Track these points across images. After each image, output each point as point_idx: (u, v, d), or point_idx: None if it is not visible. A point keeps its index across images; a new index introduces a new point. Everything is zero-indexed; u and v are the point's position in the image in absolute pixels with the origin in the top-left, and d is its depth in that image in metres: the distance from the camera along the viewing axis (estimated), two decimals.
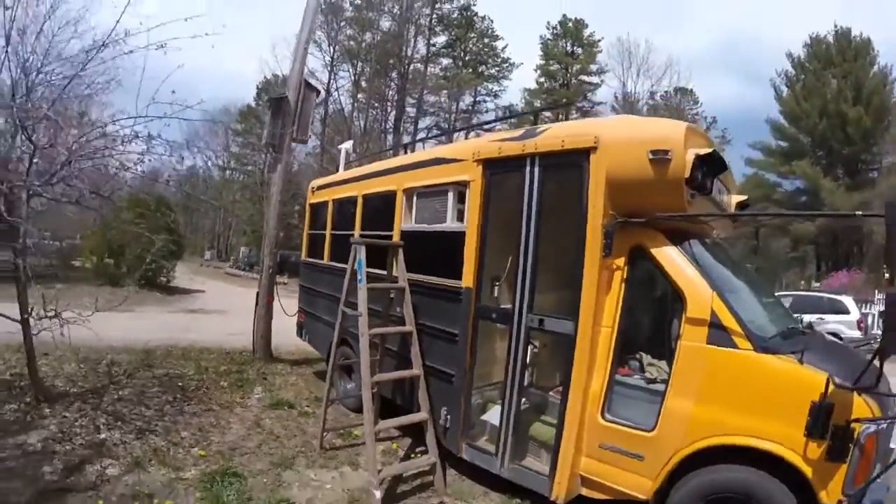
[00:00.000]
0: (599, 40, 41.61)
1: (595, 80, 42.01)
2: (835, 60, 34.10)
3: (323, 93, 31.21)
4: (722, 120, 66.20)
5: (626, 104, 39.60)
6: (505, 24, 47.21)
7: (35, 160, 4.89)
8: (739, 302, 3.44)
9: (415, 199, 5.11)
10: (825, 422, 2.87)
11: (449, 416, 4.37)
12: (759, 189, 38.84)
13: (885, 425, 3.09)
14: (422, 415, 4.34)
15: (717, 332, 3.19)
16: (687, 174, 3.29)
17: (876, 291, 19.25)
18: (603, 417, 3.59)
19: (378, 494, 3.77)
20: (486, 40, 43.30)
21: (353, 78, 38.52)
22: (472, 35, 42.84)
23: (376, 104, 38.29)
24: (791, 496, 2.97)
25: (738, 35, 60.03)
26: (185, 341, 8.62)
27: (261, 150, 48.65)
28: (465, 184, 4.42)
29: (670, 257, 3.45)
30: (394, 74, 38.77)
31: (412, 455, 4.81)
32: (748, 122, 63.18)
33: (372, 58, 36.79)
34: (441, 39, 42.32)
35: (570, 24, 42.10)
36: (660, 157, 3.25)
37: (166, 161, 5.68)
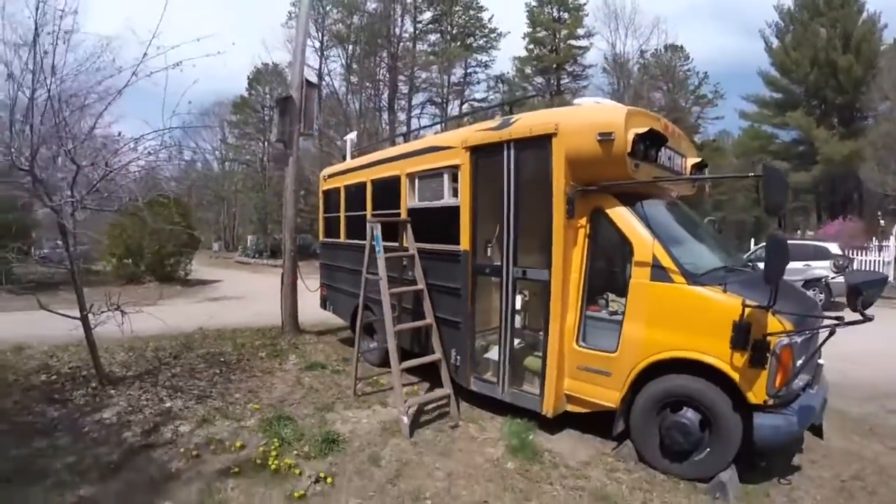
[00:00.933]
0: (585, 3, 41.04)
1: (584, 43, 41.52)
2: (822, 10, 33.60)
3: (318, 83, 31.52)
4: (718, 74, 66.30)
5: (617, 65, 39.56)
6: None
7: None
8: (679, 248, 4.34)
9: (416, 181, 6.00)
10: (745, 337, 3.67)
11: (458, 356, 5.35)
12: (756, 141, 38.82)
13: (798, 339, 3.83)
14: (436, 356, 5.35)
15: (658, 271, 4.10)
16: (629, 150, 4.16)
17: (874, 238, 20.03)
18: (578, 345, 4.54)
19: (406, 420, 4.73)
20: (471, 12, 42.80)
21: (344, 61, 38.70)
22: (458, 8, 42.36)
23: (369, 85, 38.46)
24: (725, 397, 3.82)
25: None
26: (215, 325, 9.35)
27: (257, 139, 49.36)
28: (456, 167, 5.32)
29: (621, 215, 4.37)
30: (384, 54, 38.82)
31: (430, 392, 5.70)
32: (744, 74, 62.84)
33: (361, 40, 36.86)
34: (427, 15, 42.14)
35: None
36: (605, 138, 4.14)
37: (166, 158, 6.19)
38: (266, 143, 46.55)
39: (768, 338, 3.65)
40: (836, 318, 3.79)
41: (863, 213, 31.19)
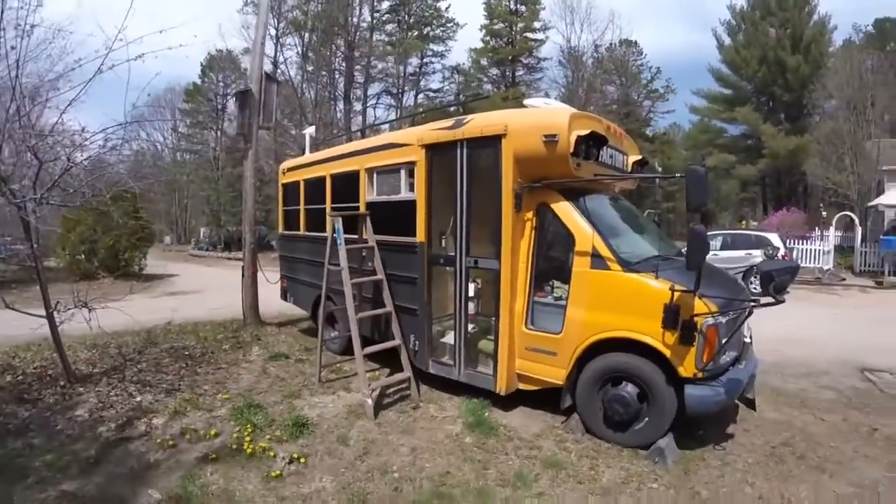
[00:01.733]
0: None
1: (540, 36, 42.06)
2: (773, 10, 34.91)
3: (274, 71, 31.07)
4: (672, 68, 68.08)
5: (572, 59, 40.27)
6: None
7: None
8: (617, 238, 4.77)
9: (375, 176, 6.29)
10: (675, 317, 4.10)
11: (417, 341, 5.69)
12: (705, 134, 40.22)
13: (722, 319, 4.25)
14: (396, 342, 5.68)
15: (597, 260, 4.52)
16: (571, 150, 4.55)
17: (816, 229, 21.19)
18: (526, 328, 4.94)
19: (370, 402, 5.03)
20: (429, 2, 42.82)
21: (300, 49, 38.11)
22: None
23: (325, 73, 38.03)
24: (659, 371, 4.27)
25: None
26: (175, 320, 9.26)
27: (210, 129, 48.20)
28: (413, 163, 5.63)
29: (564, 209, 4.77)
30: (340, 43, 38.42)
31: (392, 376, 5.96)
32: (696, 70, 64.72)
33: (318, 28, 36.37)
34: (385, 5, 41.91)
35: None
36: (550, 139, 4.52)
37: (129, 152, 6.26)
38: (219, 133, 45.59)
39: (695, 318, 4.08)
40: (753, 300, 4.28)
41: (807, 205, 32.91)
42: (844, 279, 17.45)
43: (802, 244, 19.75)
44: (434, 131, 5.45)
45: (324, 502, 3.63)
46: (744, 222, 36.14)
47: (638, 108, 43.89)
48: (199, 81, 46.26)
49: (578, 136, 4.58)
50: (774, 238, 15.31)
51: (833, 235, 20.08)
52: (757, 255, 14.33)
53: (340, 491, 3.75)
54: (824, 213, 24.12)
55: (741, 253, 14.73)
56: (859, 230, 19.82)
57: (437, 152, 5.41)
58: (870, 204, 20.30)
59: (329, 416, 5.06)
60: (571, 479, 3.94)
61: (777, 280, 4.17)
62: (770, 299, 4.12)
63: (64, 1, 5.52)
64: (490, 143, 4.90)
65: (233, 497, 3.64)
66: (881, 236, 18.03)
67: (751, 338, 5.47)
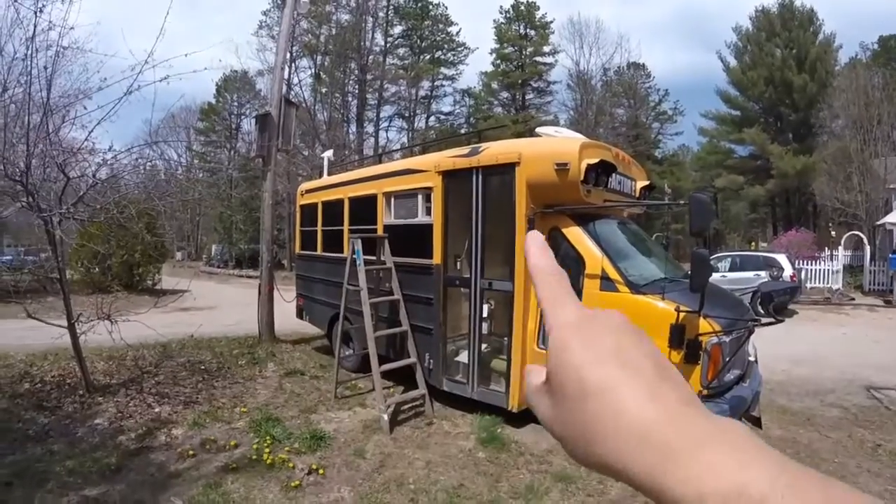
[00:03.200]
0: (551, 22, 42.40)
1: (549, 60, 42.72)
2: (778, 31, 35.17)
3: (288, 92, 31.64)
4: (680, 90, 68.77)
5: (581, 82, 40.73)
6: (459, 9, 48.14)
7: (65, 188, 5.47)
8: (625, 262, 4.97)
9: (393, 200, 6.54)
10: (680, 337, 4.26)
11: (431, 360, 5.89)
12: (714, 156, 40.24)
13: (726, 338, 4.40)
14: (412, 360, 5.89)
15: (606, 282, 4.72)
16: (581, 177, 4.77)
17: (826, 248, 21.18)
18: (538, 347, 5.11)
19: (386, 418, 5.23)
20: (440, 26, 43.70)
21: (313, 71, 38.86)
22: (428, 22, 43.25)
23: (338, 95, 38.73)
24: None
25: (695, 7, 61.71)
26: (189, 335, 9.21)
27: (224, 147, 48.90)
28: (430, 188, 5.89)
29: (575, 234, 4.99)
30: (353, 66, 39.20)
31: (407, 392, 6.13)
32: (707, 90, 65.11)
33: (331, 51, 37.14)
34: (398, 29, 42.83)
35: (523, 8, 42.75)
36: (561, 167, 4.76)
37: (128, 166, 6.25)
38: (233, 152, 46.24)
39: (700, 337, 4.24)
40: (753, 320, 4.44)
41: (816, 224, 32.82)
42: (853, 298, 17.44)
43: (812, 264, 19.72)
44: (450, 158, 5.72)
45: None
46: (752, 243, 36.15)
47: (647, 131, 44.20)
48: (213, 101, 47.05)
49: (588, 164, 4.81)
50: (782, 259, 15.31)
51: (842, 255, 20.07)
52: (765, 277, 14.42)
53: (358, 501, 3.93)
54: (833, 233, 24.13)
55: (749, 274, 14.79)
56: (868, 249, 19.80)
57: (454, 178, 5.67)
58: (878, 222, 20.28)
59: (345, 430, 5.24)
60: (581, 493, 4.10)
61: (776, 300, 4.33)
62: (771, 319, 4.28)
63: (81, 17, 5.68)
64: (504, 171, 5.16)
65: None
66: (890, 255, 18.01)
67: (755, 356, 5.61)
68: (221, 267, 38.47)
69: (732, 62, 38.72)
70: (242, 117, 46.21)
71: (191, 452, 4.58)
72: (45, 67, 5.37)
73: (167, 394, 6.02)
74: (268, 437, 4.84)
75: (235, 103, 47.56)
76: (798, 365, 8.26)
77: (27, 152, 5.25)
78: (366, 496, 3.98)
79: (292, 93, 34.37)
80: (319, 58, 38.22)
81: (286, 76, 35.52)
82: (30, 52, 5.26)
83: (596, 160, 4.87)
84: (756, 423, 5.39)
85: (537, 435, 5.23)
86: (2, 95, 5.55)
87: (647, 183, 6.27)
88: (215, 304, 16.39)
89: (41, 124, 5.37)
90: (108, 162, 6.03)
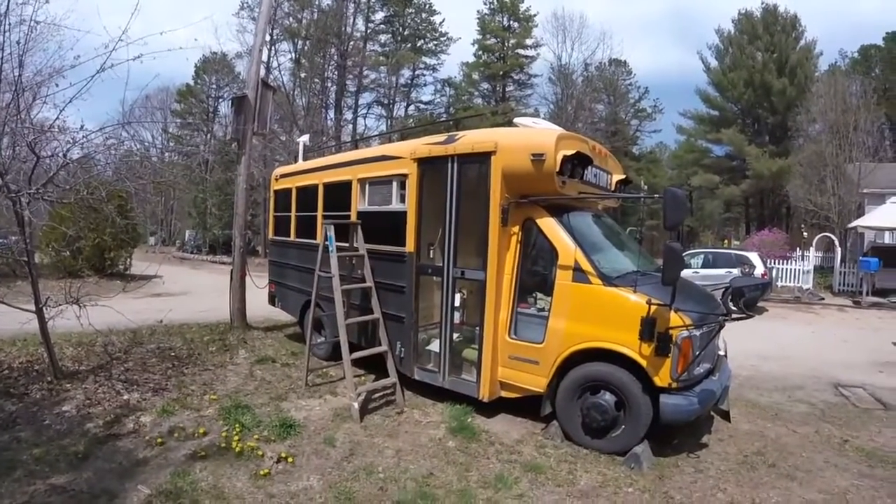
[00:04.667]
0: (535, 15, 42.50)
1: (531, 53, 42.88)
2: (760, 35, 35.83)
3: (267, 76, 31.13)
4: (660, 88, 69.44)
5: (562, 76, 40.88)
6: None
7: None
8: (598, 254, 4.99)
9: (367, 186, 6.47)
10: (651, 330, 4.30)
11: (403, 348, 5.86)
12: (691, 154, 40.92)
13: (696, 332, 4.47)
14: (383, 348, 5.85)
15: (579, 274, 4.73)
16: (557, 168, 4.76)
17: (798, 249, 21.43)
18: (510, 337, 5.13)
19: (356, 406, 5.19)
20: (423, 15, 43.44)
21: (293, 56, 38.31)
22: (410, 10, 42.90)
23: (317, 81, 38.25)
24: (636, 381, 4.47)
25: (683, 6, 62.20)
26: (161, 321, 9.02)
27: (201, 131, 48.04)
28: (405, 175, 5.83)
29: (549, 225, 4.99)
30: (333, 52, 38.71)
31: (378, 381, 6.07)
32: (688, 90, 65.79)
33: (312, 35, 36.62)
34: (380, 16, 42.37)
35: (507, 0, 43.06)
36: (537, 158, 4.74)
37: (100, 146, 6.02)
38: (210, 136, 45.45)
39: (671, 331, 4.30)
40: (723, 314, 4.51)
41: (789, 225, 33.55)
42: (823, 298, 17.86)
43: (783, 264, 20.13)
44: (426, 146, 5.66)
45: (311, 500, 3.76)
46: (725, 242, 36.80)
47: (625, 127, 44.71)
48: (192, 83, 46.15)
49: (565, 156, 4.80)
50: (754, 257, 15.59)
51: (813, 255, 20.52)
52: (737, 274, 14.66)
53: (327, 489, 3.89)
54: (805, 234, 24.64)
55: (721, 271, 15.03)
56: (839, 251, 20.24)
57: (429, 166, 5.61)
58: (850, 225, 20.76)
59: (316, 418, 5.19)
60: (550, 483, 4.11)
61: (747, 296, 4.39)
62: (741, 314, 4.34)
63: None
64: (480, 160, 5.12)
65: (222, 494, 3.75)
66: (860, 257, 18.46)
67: (725, 351, 5.69)
68: (195, 252, 37.94)
69: (713, 63, 39.47)
70: (221, 100, 45.44)
71: (159, 440, 4.51)
72: (17, 43, 5.22)
73: (136, 380, 5.90)
74: (237, 425, 4.77)
75: (214, 86, 46.72)
76: (767, 361, 8.43)
77: None
78: (335, 484, 3.95)
79: (271, 77, 33.89)
80: (300, 42, 37.66)
81: (265, 59, 35.07)
82: (2, 27, 5.11)
83: (572, 152, 4.87)
84: (725, 416, 5.52)
85: (508, 425, 5.26)
86: None
87: (623, 177, 6.30)
88: (187, 290, 16.16)
89: (11, 102, 5.20)
90: (80, 142, 5.81)
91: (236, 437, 4.52)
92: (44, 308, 5.61)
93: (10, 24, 5.12)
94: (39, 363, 6.18)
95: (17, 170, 5.49)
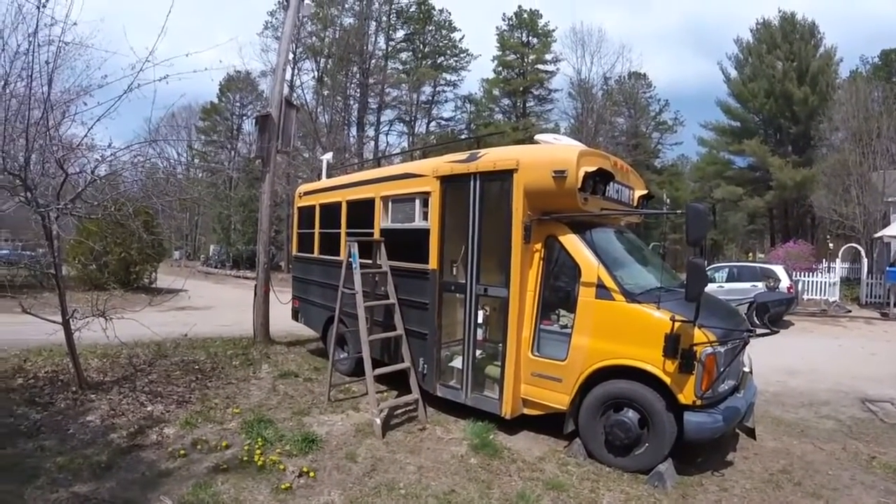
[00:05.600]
0: (554, 30, 42.71)
1: (551, 68, 43.02)
2: (779, 44, 35.31)
3: (290, 94, 31.71)
4: (680, 100, 68.89)
5: (582, 90, 40.89)
6: (462, 16, 48.34)
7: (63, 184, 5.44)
8: (621, 270, 4.97)
9: (390, 204, 6.54)
10: (675, 346, 4.26)
11: (426, 365, 5.88)
12: (713, 166, 40.31)
13: (721, 349, 4.43)
14: (406, 364, 5.87)
15: (602, 290, 4.72)
16: (579, 185, 4.78)
17: (823, 261, 21.07)
18: (532, 355, 5.12)
19: (379, 422, 5.21)
20: (443, 32, 43.87)
21: (315, 74, 38.96)
22: (431, 28, 43.44)
23: (339, 98, 38.82)
24: (660, 398, 4.42)
25: (701, 17, 62.03)
26: (184, 334, 9.13)
27: (225, 147, 48.96)
28: (427, 193, 5.89)
29: (571, 241, 4.99)
30: (355, 70, 39.30)
31: (400, 397, 6.08)
32: (709, 101, 65.47)
33: (334, 54, 37.25)
34: (401, 34, 42.98)
35: (526, 15, 43.09)
36: (559, 175, 4.77)
37: (127, 164, 6.15)
38: (234, 153, 46.29)
39: (695, 347, 4.25)
40: (748, 331, 4.46)
41: (814, 236, 32.91)
42: (850, 311, 17.46)
43: (809, 276, 19.75)
44: (449, 164, 5.72)
45: None
46: (750, 255, 36.20)
47: (646, 140, 44.46)
48: (216, 101, 47.15)
49: (586, 172, 4.82)
50: (780, 270, 15.35)
51: (839, 267, 20.12)
52: (761, 288, 14.44)
53: None
54: (831, 245, 24.16)
55: (746, 285, 14.82)
56: (865, 262, 19.85)
57: (452, 184, 5.67)
58: (876, 235, 20.32)
59: (338, 433, 5.22)
60: (572, 501, 4.08)
61: (772, 311, 4.34)
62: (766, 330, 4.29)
63: (84, 14, 5.62)
64: (502, 177, 5.17)
65: None
66: (887, 268, 18.04)
67: (750, 367, 5.61)
68: (219, 267, 38.47)
69: (733, 73, 38.91)
70: (244, 118, 46.36)
71: (182, 452, 4.56)
72: (47, 62, 5.33)
73: (160, 393, 5.99)
74: (259, 439, 4.81)
75: (238, 104, 47.74)
76: (793, 376, 8.27)
77: (27, 147, 5.22)
78: (356, 500, 3.96)
79: (294, 95, 34.45)
80: (323, 60, 38.30)
81: (289, 78, 35.74)
82: (32, 47, 5.21)
83: (594, 168, 4.89)
84: (750, 433, 5.42)
85: (530, 442, 5.23)
86: (3, 90, 5.49)
87: (645, 192, 6.28)
88: (211, 305, 16.35)
89: (41, 119, 5.32)
90: (107, 159, 5.98)
91: (258, 451, 4.56)
92: (70, 320, 5.72)
93: (38, 45, 5.24)
94: (65, 373, 6.30)
95: (46, 185, 5.64)
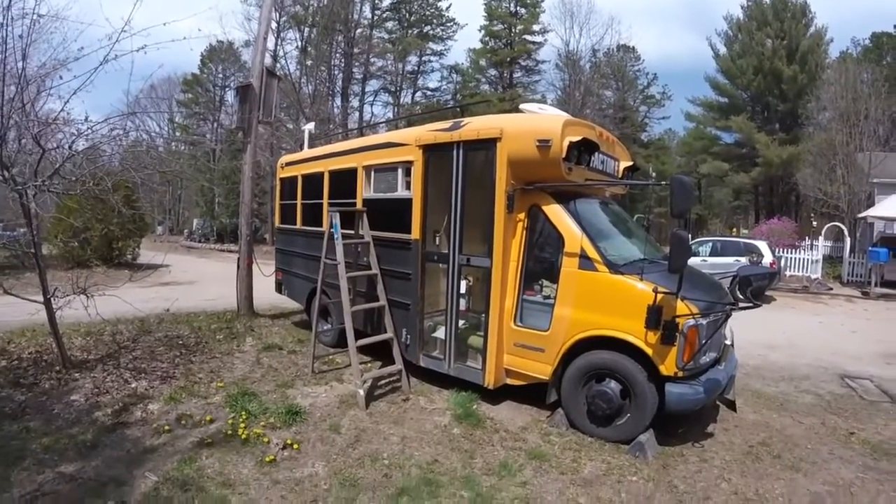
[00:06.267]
0: (542, 0, 42.16)
1: (538, 39, 42.36)
2: (770, 21, 35.17)
3: (273, 65, 31.10)
4: (669, 74, 68.47)
5: (569, 62, 40.52)
6: None
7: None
8: (605, 241, 4.96)
9: (372, 173, 6.44)
10: (658, 318, 4.27)
11: (409, 335, 5.86)
12: (700, 141, 40.45)
13: (703, 321, 4.43)
14: (388, 335, 5.85)
15: (585, 261, 4.70)
16: (563, 155, 4.71)
17: (806, 238, 21.27)
18: (515, 325, 5.12)
19: (362, 393, 5.20)
20: (430, 1, 43.14)
21: (299, 43, 38.17)
22: None
23: (323, 69, 38.13)
24: (641, 369, 4.45)
25: None
26: (170, 309, 9.09)
27: (208, 120, 48.10)
28: (410, 162, 5.80)
29: (555, 212, 4.95)
30: (340, 39, 38.53)
31: (383, 368, 6.10)
32: (698, 76, 65.12)
33: (318, 23, 36.44)
34: (386, 2, 42.08)
35: None
36: (543, 144, 4.69)
37: (106, 137, 6.00)
38: (217, 125, 45.51)
39: (677, 319, 4.26)
40: (730, 304, 4.47)
41: (798, 214, 33.23)
42: (832, 289, 17.68)
43: (792, 253, 19.94)
44: (432, 132, 5.62)
45: (316, 486, 3.77)
46: (734, 230, 36.54)
47: (634, 114, 44.33)
48: (198, 72, 46.13)
49: (571, 142, 4.75)
50: (763, 246, 15.47)
51: (822, 245, 20.31)
52: (744, 262, 14.55)
53: (332, 476, 3.91)
54: (815, 223, 24.42)
55: (730, 259, 14.94)
56: (848, 241, 20.06)
57: (434, 153, 5.58)
58: (860, 215, 20.51)
59: (321, 405, 5.22)
60: (554, 470, 4.12)
61: (755, 285, 4.34)
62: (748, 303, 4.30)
63: None
64: (485, 146, 5.08)
65: (228, 480, 3.78)
66: (869, 247, 18.25)
67: (732, 340, 5.66)
68: (202, 241, 38.11)
69: (722, 50, 38.82)
70: (227, 89, 45.43)
71: (166, 428, 4.54)
72: (21, 37, 5.18)
73: (144, 369, 5.95)
74: (243, 412, 4.80)
75: (220, 75, 46.74)
76: (774, 350, 8.38)
77: (1, 124, 5.08)
78: (340, 471, 3.97)
79: (278, 65, 33.79)
80: (306, 30, 37.51)
81: (272, 48, 35.01)
82: (5, 21, 5.07)
83: (579, 138, 4.82)
84: (731, 406, 5.49)
85: (513, 412, 5.26)
86: None
87: (630, 164, 6.24)
88: (195, 279, 16.21)
89: (16, 95, 5.19)
90: (84, 133, 5.80)
91: (242, 425, 4.55)
92: (51, 299, 5.65)
93: (11, 18, 5.10)
94: (48, 353, 6.23)
95: (23, 162, 5.54)
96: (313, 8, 37.24)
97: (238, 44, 40.00)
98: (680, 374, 4.35)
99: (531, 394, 5.32)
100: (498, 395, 5.40)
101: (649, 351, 4.37)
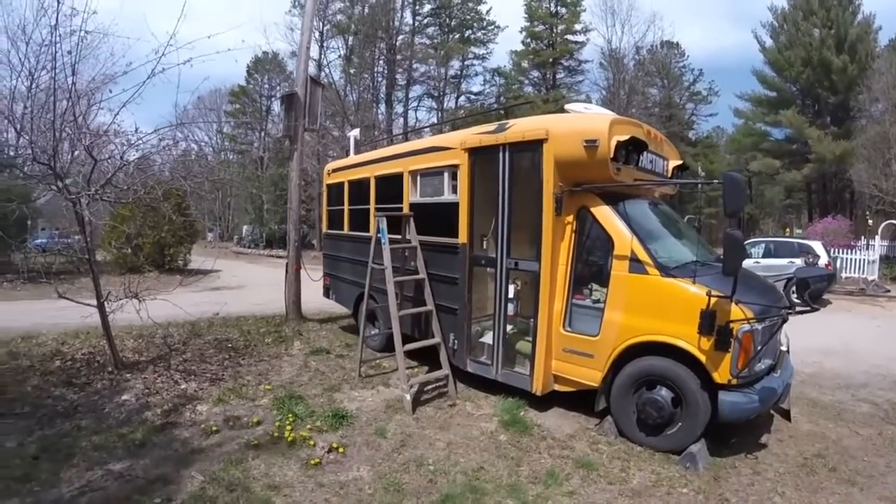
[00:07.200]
0: None
1: (580, 38, 41.87)
2: (816, 10, 33.52)
3: (318, 74, 31.71)
4: (715, 70, 66.40)
5: (613, 61, 39.86)
6: None
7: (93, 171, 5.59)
8: (655, 243, 4.81)
9: (418, 178, 6.44)
10: (711, 323, 4.10)
11: (456, 340, 5.83)
12: (749, 138, 38.92)
13: (758, 326, 4.24)
14: (436, 339, 5.85)
15: (635, 264, 4.57)
16: (611, 155, 4.60)
17: (862, 237, 20.39)
18: (564, 330, 5.02)
19: (409, 398, 5.20)
20: (470, 5, 43.10)
21: (343, 52, 38.83)
22: (457, 1, 42.84)
23: (367, 76, 38.69)
24: (694, 376, 4.29)
25: None
26: (220, 313, 9.24)
27: (255, 129, 49.51)
28: (456, 166, 5.78)
29: (604, 213, 4.84)
30: (382, 46, 39.04)
31: (430, 373, 6.13)
32: (746, 70, 62.96)
33: (361, 31, 37.03)
34: (427, 8, 42.39)
35: None
36: (590, 145, 4.60)
37: (156, 147, 6.37)
38: (264, 134, 46.76)
39: (731, 324, 4.09)
40: (787, 307, 4.26)
41: (853, 212, 31.67)
42: (889, 290, 16.79)
43: (847, 253, 19.06)
44: (477, 135, 5.58)
45: (360, 490, 3.78)
46: (787, 230, 35.11)
47: (680, 111, 43.25)
48: (244, 83, 47.48)
49: (618, 142, 4.64)
50: (818, 246, 14.84)
51: (879, 244, 19.34)
52: (799, 264, 13.99)
53: (377, 480, 3.91)
54: (870, 221, 23.21)
55: (783, 261, 14.36)
56: None
57: (480, 156, 5.54)
58: None
59: (368, 409, 5.24)
60: (602, 480, 4.01)
61: (813, 287, 4.14)
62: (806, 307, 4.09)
63: (103, 2, 5.62)
64: (532, 148, 5.01)
65: (274, 482, 3.82)
66: None
67: (787, 346, 5.41)
68: (252, 247, 39.14)
69: (768, 42, 37.18)
70: (273, 99, 46.63)
71: (214, 429, 4.64)
72: (69, 52, 5.41)
73: (194, 371, 6.11)
74: (290, 415, 4.86)
75: (266, 85, 48.02)
76: (830, 357, 7.99)
77: (54, 137, 5.32)
78: (385, 476, 3.97)
79: (322, 74, 34.44)
80: (350, 38, 38.16)
81: (316, 57, 35.74)
82: (54, 38, 5.31)
83: (626, 137, 4.70)
84: (785, 415, 5.23)
85: (560, 419, 5.16)
86: (30, 84, 5.62)
87: (679, 162, 6.06)
88: (244, 284, 16.61)
89: (68, 109, 5.42)
90: (135, 144, 6.09)
91: (289, 427, 4.61)
92: (104, 302, 5.87)
93: (60, 36, 5.32)
94: (101, 355, 6.44)
95: (77, 173, 5.80)
96: (356, 17, 37.83)
97: (283, 54, 41.11)
98: (734, 381, 4.18)
99: (580, 401, 5.21)
100: (546, 401, 5.31)
101: (702, 357, 4.21)
